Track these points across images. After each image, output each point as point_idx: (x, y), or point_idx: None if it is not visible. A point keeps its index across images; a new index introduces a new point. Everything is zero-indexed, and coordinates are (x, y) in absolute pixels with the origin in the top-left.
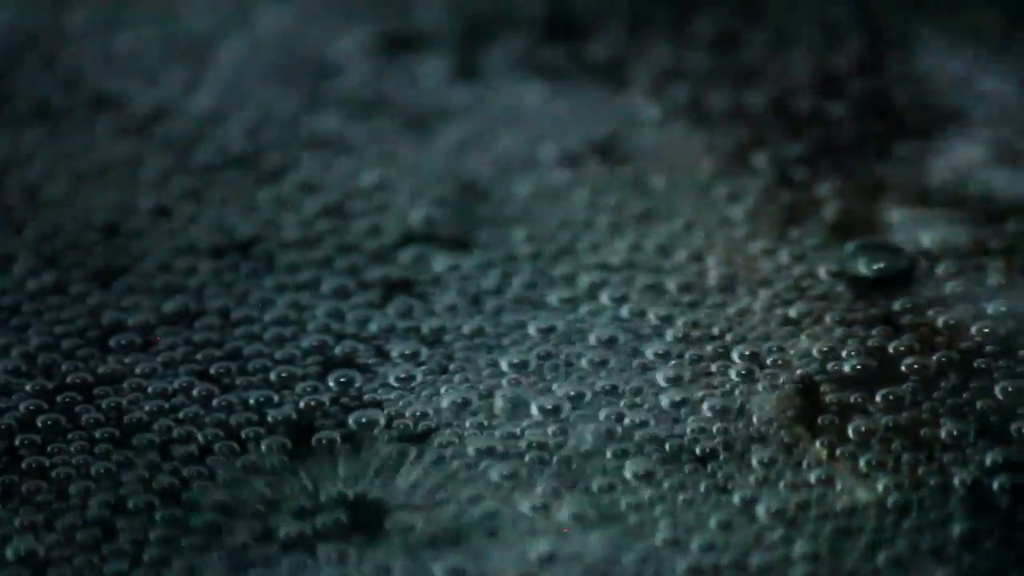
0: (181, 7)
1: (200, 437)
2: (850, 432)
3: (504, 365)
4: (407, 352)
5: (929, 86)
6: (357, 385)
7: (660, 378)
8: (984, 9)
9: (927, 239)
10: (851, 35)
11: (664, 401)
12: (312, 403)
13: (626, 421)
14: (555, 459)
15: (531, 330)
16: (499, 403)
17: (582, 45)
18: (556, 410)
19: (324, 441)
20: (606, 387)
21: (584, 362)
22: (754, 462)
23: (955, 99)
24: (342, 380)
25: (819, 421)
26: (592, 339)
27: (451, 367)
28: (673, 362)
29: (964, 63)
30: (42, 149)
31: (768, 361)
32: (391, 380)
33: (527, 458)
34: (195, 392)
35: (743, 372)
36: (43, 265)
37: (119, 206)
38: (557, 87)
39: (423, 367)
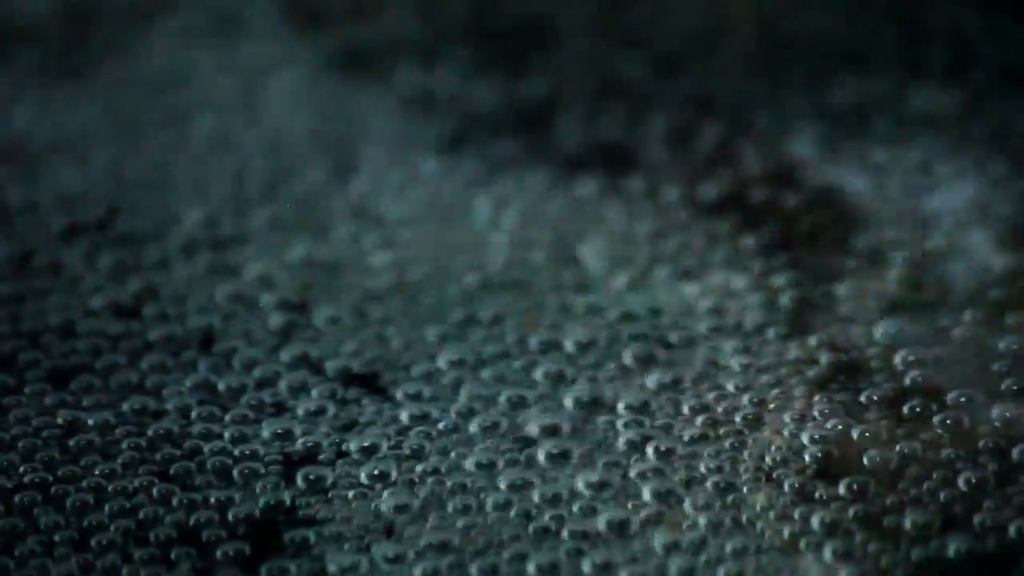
0: (129, 103)
1: (161, 538)
2: (814, 523)
3: (470, 464)
4: (367, 445)
5: (884, 176)
6: (320, 482)
7: (630, 468)
8: (938, 97)
9: (883, 330)
10: (806, 125)
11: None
12: (274, 501)
13: (600, 522)
14: (533, 562)
15: (487, 423)
16: (462, 499)
17: (538, 136)
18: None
19: (288, 540)
20: (570, 487)
21: (543, 455)
22: (727, 550)
23: (910, 188)
24: (309, 477)
25: (782, 511)
26: (559, 426)
27: (414, 463)
28: (637, 454)
29: (920, 151)
30: None
31: (729, 451)
32: (355, 477)
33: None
34: (155, 492)
35: (708, 465)
36: None
37: (74, 305)
38: (512, 178)
39: (385, 462)
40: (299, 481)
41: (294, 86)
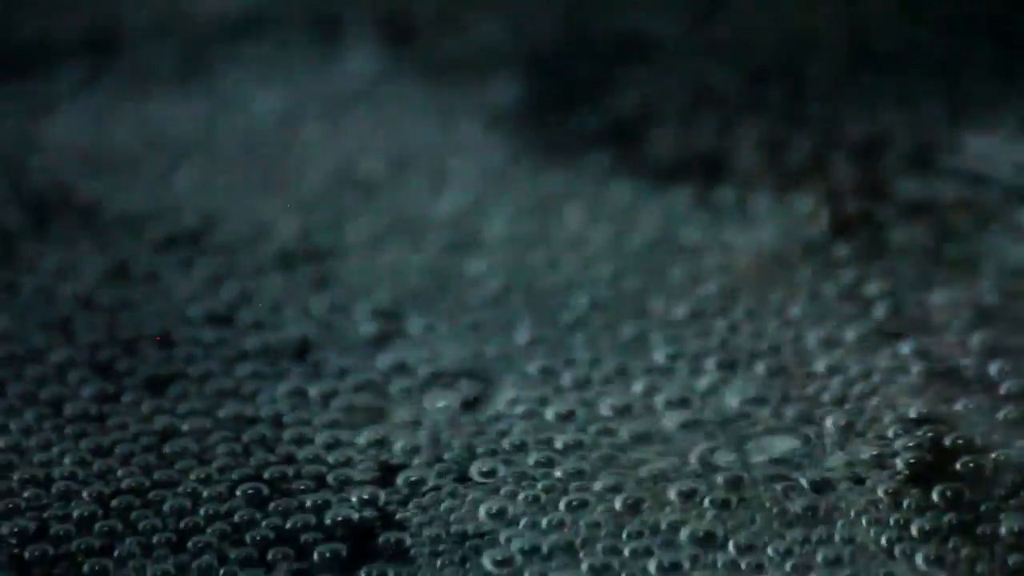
0: (224, 115)
1: (257, 540)
2: (913, 530)
3: (559, 472)
4: (463, 449)
5: (977, 186)
6: (416, 487)
7: (719, 479)
8: None
9: (979, 338)
10: (897, 137)
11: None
12: (370, 505)
13: (683, 529)
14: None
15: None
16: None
17: (630, 148)
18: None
19: (386, 542)
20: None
21: (631, 484)
22: (819, 558)
23: (1003, 198)
24: (411, 479)
25: (878, 517)
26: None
27: (506, 469)
28: (729, 459)
29: (1011, 162)
30: (94, 258)
31: (821, 455)
32: (451, 481)
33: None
34: (250, 496)
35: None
36: (97, 373)
37: (171, 313)
38: (606, 187)
39: (485, 467)
40: (396, 484)
41: (387, 98)
